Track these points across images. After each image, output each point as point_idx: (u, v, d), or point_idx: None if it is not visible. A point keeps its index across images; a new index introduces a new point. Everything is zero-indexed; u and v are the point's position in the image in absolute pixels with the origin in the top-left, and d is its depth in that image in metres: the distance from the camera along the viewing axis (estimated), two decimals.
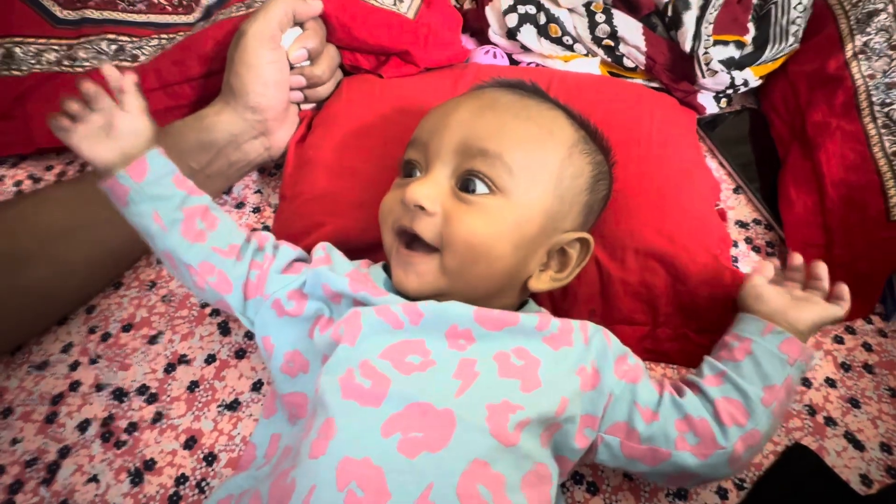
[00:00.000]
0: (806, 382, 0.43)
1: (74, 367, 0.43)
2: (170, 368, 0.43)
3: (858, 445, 0.40)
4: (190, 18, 0.60)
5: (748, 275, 0.39)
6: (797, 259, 0.39)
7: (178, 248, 0.34)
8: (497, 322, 0.31)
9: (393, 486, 0.26)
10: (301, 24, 0.47)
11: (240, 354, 0.44)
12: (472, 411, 0.28)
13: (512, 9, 0.56)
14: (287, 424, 0.36)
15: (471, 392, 0.29)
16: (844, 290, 0.37)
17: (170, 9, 0.60)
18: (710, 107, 0.57)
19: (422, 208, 0.33)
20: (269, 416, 0.38)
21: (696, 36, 0.53)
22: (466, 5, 0.63)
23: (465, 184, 0.33)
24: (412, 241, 0.34)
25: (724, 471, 0.32)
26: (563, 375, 0.31)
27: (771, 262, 0.39)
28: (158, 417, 0.41)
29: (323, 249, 0.37)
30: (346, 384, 0.29)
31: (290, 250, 0.38)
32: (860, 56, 0.53)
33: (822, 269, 0.38)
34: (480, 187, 0.33)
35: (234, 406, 0.41)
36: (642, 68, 0.56)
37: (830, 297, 0.37)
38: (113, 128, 0.33)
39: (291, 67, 0.47)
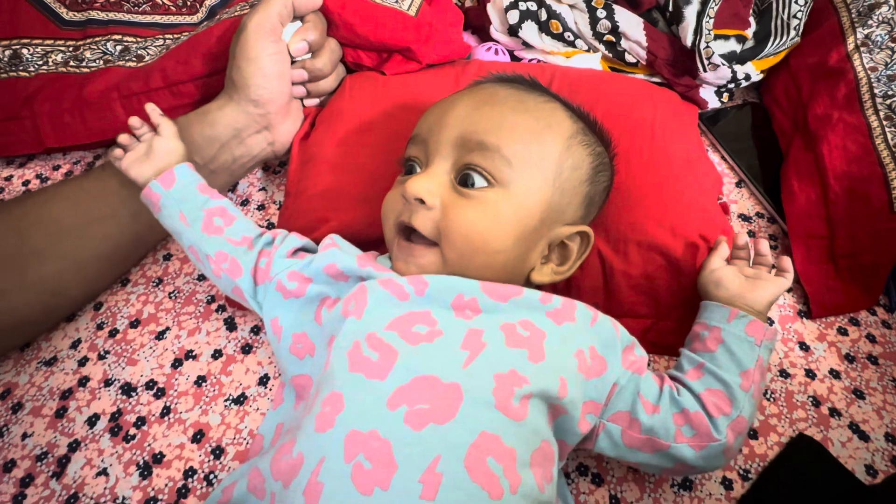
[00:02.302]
0: (810, 374, 0.43)
1: (83, 362, 0.44)
2: (177, 363, 0.44)
3: (863, 436, 0.40)
4: (194, 19, 0.60)
5: (706, 260, 0.40)
6: (741, 239, 0.41)
7: (199, 241, 0.39)
8: (503, 293, 0.32)
9: (400, 457, 0.26)
10: (301, 18, 0.48)
11: (246, 349, 0.44)
12: (479, 382, 0.29)
13: (513, 5, 0.56)
14: (292, 411, 0.37)
15: (478, 362, 0.29)
16: (787, 261, 0.39)
17: (174, 9, 0.61)
18: (712, 101, 0.57)
19: (421, 202, 0.33)
20: (276, 408, 0.38)
21: (697, 30, 0.53)
22: (468, 3, 0.63)
23: (463, 178, 0.34)
24: (412, 234, 0.35)
25: (718, 461, 0.33)
26: (564, 354, 0.32)
27: (722, 240, 0.41)
28: (166, 412, 0.41)
29: (330, 239, 0.38)
30: (354, 357, 0.30)
31: (296, 239, 0.39)
32: (862, 48, 0.53)
33: (764, 245, 0.40)
34: (479, 181, 0.34)
35: (240, 400, 0.42)
36: (644, 63, 0.56)
37: (777, 270, 0.39)
38: (151, 150, 0.40)
39: (293, 62, 0.47)
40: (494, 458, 0.27)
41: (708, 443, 0.32)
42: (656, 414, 0.32)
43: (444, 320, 0.31)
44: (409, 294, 0.32)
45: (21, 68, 0.55)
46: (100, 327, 0.46)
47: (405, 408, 0.28)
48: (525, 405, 0.29)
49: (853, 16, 0.55)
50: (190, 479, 0.38)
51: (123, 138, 0.41)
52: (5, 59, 0.55)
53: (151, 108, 0.41)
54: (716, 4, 0.54)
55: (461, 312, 0.31)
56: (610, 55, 0.57)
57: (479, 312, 0.31)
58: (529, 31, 0.57)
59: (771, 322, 0.46)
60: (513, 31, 0.57)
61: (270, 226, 0.53)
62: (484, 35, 0.60)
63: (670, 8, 0.55)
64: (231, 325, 0.46)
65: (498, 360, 0.30)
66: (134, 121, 0.40)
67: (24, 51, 0.56)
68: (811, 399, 0.42)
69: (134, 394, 0.42)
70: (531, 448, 0.29)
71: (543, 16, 0.56)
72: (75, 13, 0.58)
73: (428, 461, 0.26)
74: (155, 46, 0.57)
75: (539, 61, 0.58)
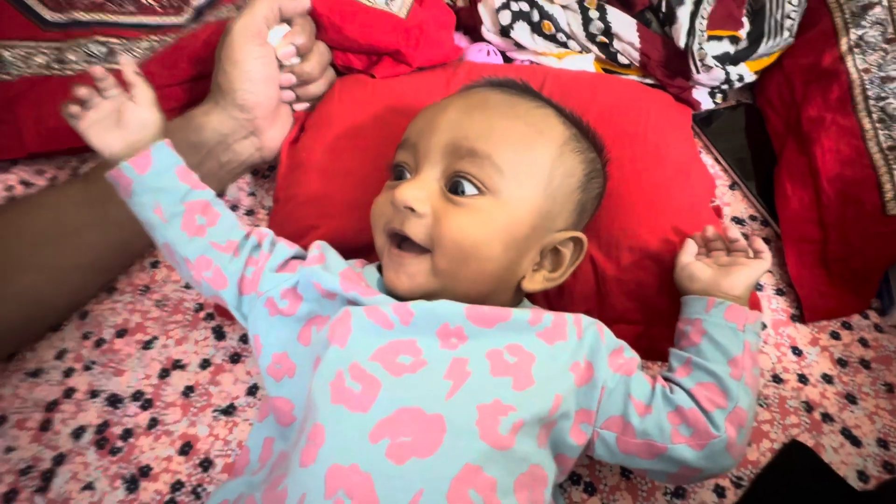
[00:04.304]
0: (803, 379, 0.43)
1: (69, 373, 0.43)
2: (164, 374, 0.43)
3: (855, 441, 0.40)
4: (180, 19, 0.59)
5: (676, 258, 0.40)
6: (710, 231, 0.40)
7: (177, 242, 0.35)
8: (489, 318, 0.31)
9: (381, 492, 0.26)
10: (289, 21, 0.47)
11: (235, 359, 0.44)
12: (462, 414, 0.28)
13: (505, 6, 0.55)
14: (282, 427, 0.36)
15: (461, 393, 0.29)
16: (759, 242, 0.38)
17: (160, 10, 0.59)
18: (706, 102, 0.57)
19: (412, 210, 0.33)
20: (262, 420, 0.37)
21: (691, 32, 0.53)
22: (459, 3, 0.62)
23: (454, 185, 0.33)
24: (403, 241, 0.34)
25: (725, 461, 0.31)
26: (558, 372, 0.31)
27: (692, 239, 0.40)
28: (153, 423, 0.41)
29: (318, 248, 0.37)
30: (336, 388, 0.29)
31: (286, 248, 0.38)
32: (855, 50, 0.52)
33: (734, 232, 0.39)
34: (469, 188, 0.33)
35: (229, 411, 0.41)
36: (637, 65, 0.56)
37: (754, 253, 0.38)
38: (122, 118, 0.34)
39: (281, 66, 0.47)
40: (475, 490, 0.26)
41: (707, 440, 0.30)
42: (649, 414, 0.31)
43: (429, 350, 0.30)
44: (393, 323, 0.31)
45: (2, 71, 0.54)
46: (86, 337, 0.45)
47: (387, 441, 0.27)
48: (513, 435, 0.28)
49: (846, 17, 0.54)
50: (178, 493, 0.38)
51: (83, 91, 0.33)
52: None
53: (126, 63, 0.35)
54: (709, 5, 0.54)
55: (447, 341, 0.31)
56: (603, 56, 0.57)
57: (465, 340, 0.31)
58: (521, 31, 0.56)
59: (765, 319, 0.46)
60: (505, 31, 0.56)
61: None
62: (476, 35, 0.60)
63: (663, 9, 0.54)
64: (219, 334, 0.45)
65: (481, 391, 0.29)
66: (98, 71, 0.33)
67: (6, 53, 0.55)
68: (804, 404, 0.42)
69: (120, 405, 0.41)
70: (515, 474, 0.28)
71: (536, 17, 0.55)
72: (58, 14, 0.57)
73: (410, 496, 0.26)
74: (140, 48, 0.56)
75: (531, 62, 0.58)
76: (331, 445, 0.27)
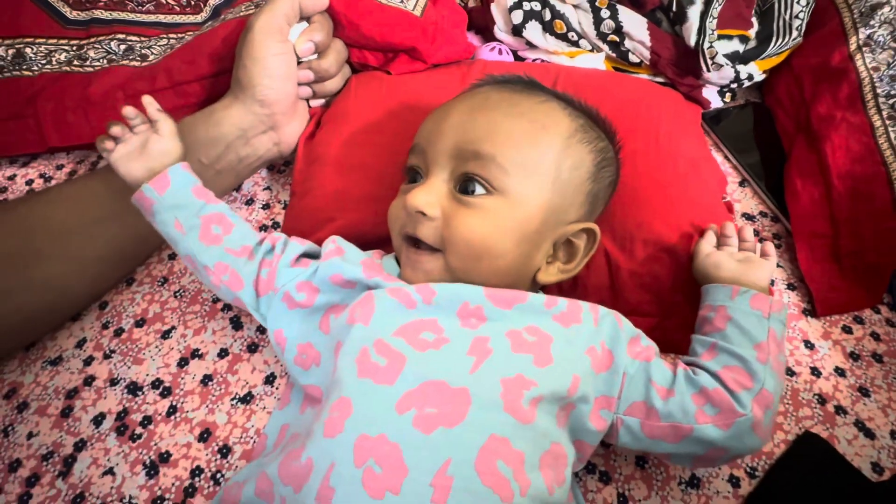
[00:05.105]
0: (815, 372, 0.44)
1: (88, 361, 0.44)
2: (183, 363, 0.44)
3: (869, 434, 0.40)
4: (198, 18, 0.60)
5: (697, 245, 0.41)
6: (728, 227, 0.41)
7: (196, 251, 0.37)
8: (507, 299, 0.32)
9: (410, 461, 0.26)
10: (307, 19, 0.48)
11: (252, 348, 0.44)
12: (486, 387, 0.29)
13: (517, 5, 0.56)
14: (297, 414, 0.37)
15: (485, 367, 0.29)
16: (770, 246, 0.40)
17: (178, 8, 0.61)
18: (715, 101, 0.58)
19: (423, 214, 0.34)
20: (282, 408, 0.38)
21: (701, 30, 0.54)
22: (471, 3, 0.63)
23: (463, 186, 0.34)
24: (418, 242, 0.35)
25: (751, 440, 0.31)
26: (575, 354, 0.32)
27: (709, 228, 0.42)
28: (173, 411, 0.41)
29: (333, 242, 0.38)
30: (362, 363, 0.30)
31: (298, 245, 0.39)
32: (864, 49, 0.53)
33: (749, 231, 0.41)
34: (478, 188, 0.34)
35: (247, 399, 0.42)
36: (647, 63, 0.57)
37: (761, 254, 0.40)
38: (146, 148, 0.37)
39: (299, 62, 0.47)
40: (504, 461, 0.27)
41: (734, 419, 0.31)
42: (672, 398, 0.32)
43: (451, 328, 0.31)
44: (416, 302, 0.32)
45: (24, 67, 0.55)
46: (105, 326, 0.46)
47: (414, 411, 0.28)
48: (534, 408, 0.29)
49: (855, 16, 0.55)
50: (197, 479, 0.38)
51: (116, 129, 0.37)
52: (9, 58, 0.55)
53: (149, 102, 0.38)
54: (719, 4, 0.54)
55: (467, 321, 0.32)
56: (614, 55, 0.57)
57: (484, 321, 0.32)
58: (533, 31, 0.57)
59: None
60: (517, 31, 0.57)
61: (276, 225, 0.53)
62: (488, 35, 0.60)
63: (674, 8, 0.55)
64: (237, 324, 0.46)
65: (504, 366, 0.30)
66: (129, 111, 0.37)
67: (28, 50, 0.56)
68: (817, 397, 0.42)
69: (140, 393, 0.42)
70: (540, 450, 0.29)
71: (547, 16, 0.56)
72: (79, 12, 0.58)
73: (438, 465, 0.26)
74: (159, 46, 0.57)
75: (543, 61, 0.59)
76: (358, 416, 0.28)
